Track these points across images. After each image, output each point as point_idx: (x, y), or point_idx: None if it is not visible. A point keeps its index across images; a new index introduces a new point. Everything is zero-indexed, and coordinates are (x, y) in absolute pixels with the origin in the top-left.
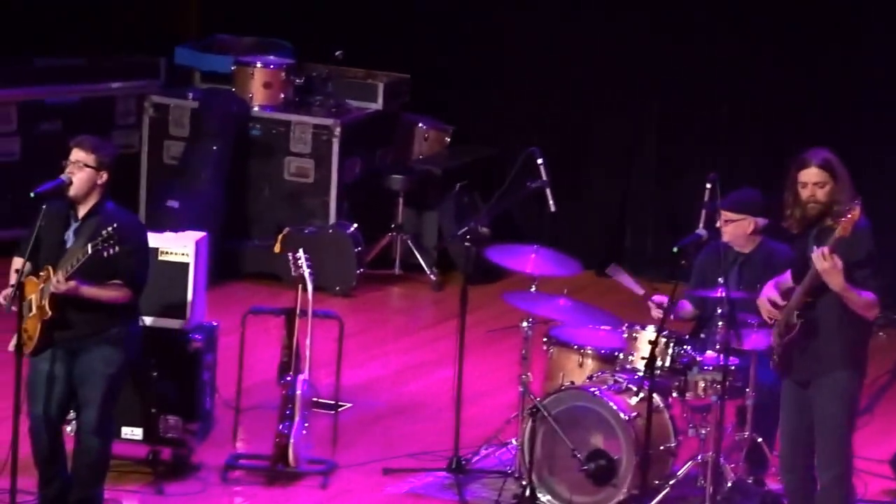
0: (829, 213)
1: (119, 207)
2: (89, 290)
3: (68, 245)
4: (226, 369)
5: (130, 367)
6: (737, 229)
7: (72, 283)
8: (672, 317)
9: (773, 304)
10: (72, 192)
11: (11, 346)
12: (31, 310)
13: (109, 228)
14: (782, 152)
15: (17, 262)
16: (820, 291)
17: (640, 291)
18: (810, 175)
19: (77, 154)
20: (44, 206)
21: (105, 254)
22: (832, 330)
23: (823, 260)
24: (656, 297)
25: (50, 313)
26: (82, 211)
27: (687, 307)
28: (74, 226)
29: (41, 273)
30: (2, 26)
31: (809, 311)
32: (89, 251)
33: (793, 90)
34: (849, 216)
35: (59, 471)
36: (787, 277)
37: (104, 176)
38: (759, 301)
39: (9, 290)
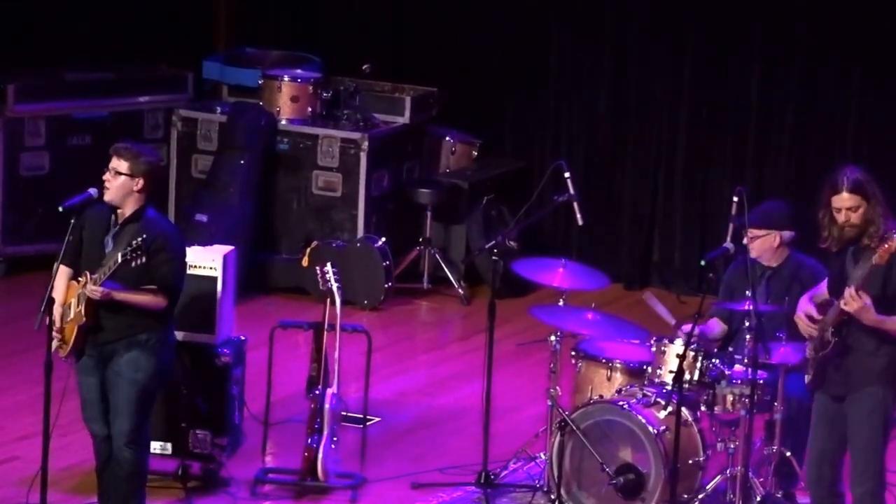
0: (865, 232)
1: (160, 215)
2: (122, 296)
3: (107, 250)
4: (254, 383)
5: (163, 378)
6: (763, 244)
7: (104, 290)
8: (702, 339)
9: (810, 318)
10: (106, 197)
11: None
12: (69, 314)
13: (139, 239)
14: (811, 165)
15: (60, 270)
16: None
17: (672, 321)
18: (843, 200)
19: (113, 162)
20: (75, 215)
21: (133, 264)
22: (869, 347)
23: (853, 300)
24: (686, 327)
25: (85, 319)
26: (122, 216)
27: (715, 328)
28: (113, 231)
29: (80, 278)
30: (30, 41)
31: (846, 327)
32: (119, 260)
33: (822, 102)
34: (886, 245)
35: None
36: (821, 289)
37: (140, 183)
38: (796, 316)
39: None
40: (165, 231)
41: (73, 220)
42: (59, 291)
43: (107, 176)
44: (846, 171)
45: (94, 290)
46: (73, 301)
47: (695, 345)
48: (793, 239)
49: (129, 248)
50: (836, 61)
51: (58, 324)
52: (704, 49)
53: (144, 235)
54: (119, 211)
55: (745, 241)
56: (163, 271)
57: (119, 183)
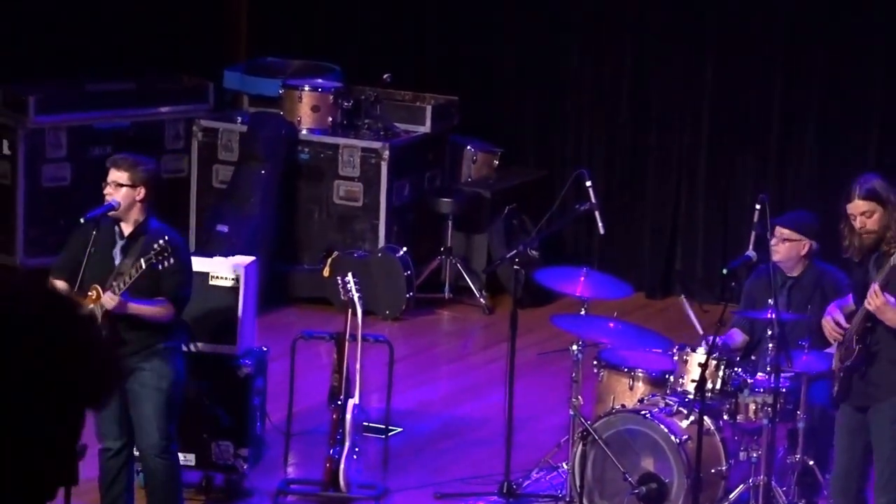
0: (884, 238)
1: (164, 225)
2: (135, 307)
3: (116, 263)
4: (276, 394)
5: (181, 384)
6: (791, 249)
7: (121, 299)
8: (723, 349)
9: (838, 324)
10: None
11: None
12: None
13: (161, 241)
14: (834, 174)
15: (60, 285)
16: (879, 319)
17: (700, 331)
18: (857, 207)
19: (112, 174)
20: (81, 227)
21: (160, 266)
22: (893, 356)
23: (875, 297)
24: (710, 338)
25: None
26: (127, 229)
27: (737, 338)
28: (121, 243)
29: (89, 293)
30: (51, 52)
31: (869, 335)
32: (143, 266)
33: (845, 109)
34: None
35: (117, 496)
36: (849, 301)
37: (141, 192)
38: (824, 321)
39: None
40: (173, 241)
41: (94, 232)
42: None
43: (108, 189)
44: (860, 179)
45: (112, 299)
46: None
47: (717, 353)
48: (817, 251)
49: (152, 252)
50: (859, 68)
51: None
52: (726, 56)
53: (166, 237)
54: (122, 223)
55: (772, 241)
56: (171, 281)
57: (121, 194)
